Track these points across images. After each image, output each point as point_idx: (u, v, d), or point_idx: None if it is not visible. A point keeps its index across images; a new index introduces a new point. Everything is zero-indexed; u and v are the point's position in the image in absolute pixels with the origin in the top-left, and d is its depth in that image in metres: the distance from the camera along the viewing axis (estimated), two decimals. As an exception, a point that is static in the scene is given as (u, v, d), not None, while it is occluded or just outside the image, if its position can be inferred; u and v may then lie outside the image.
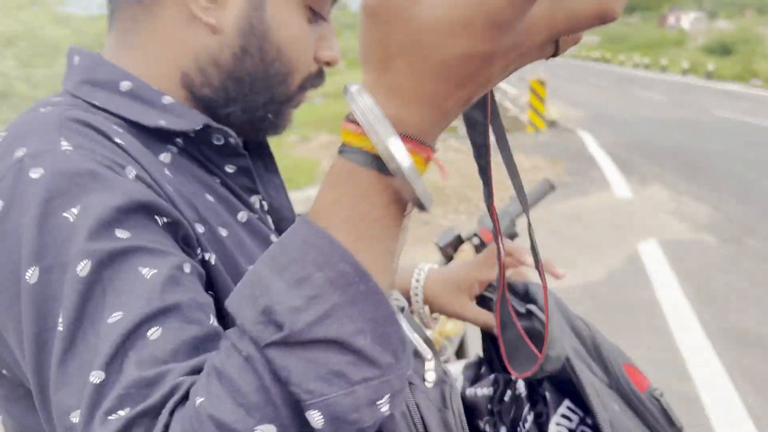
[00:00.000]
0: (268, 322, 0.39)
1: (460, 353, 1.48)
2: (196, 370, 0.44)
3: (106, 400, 0.44)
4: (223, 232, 0.62)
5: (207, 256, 0.59)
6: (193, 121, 0.63)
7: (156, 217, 0.53)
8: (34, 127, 0.55)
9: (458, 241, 1.37)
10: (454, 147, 10.42)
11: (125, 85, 0.64)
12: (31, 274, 0.48)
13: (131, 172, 0.55)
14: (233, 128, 0.66)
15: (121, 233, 0.50)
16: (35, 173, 0.50)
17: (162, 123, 0.62)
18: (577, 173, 8.74)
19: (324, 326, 0.39)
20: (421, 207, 0.42)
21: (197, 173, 0.64)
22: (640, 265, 5.03)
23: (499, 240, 0.57)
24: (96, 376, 0.45)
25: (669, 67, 30.62)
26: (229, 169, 0.67)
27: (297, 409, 0.40)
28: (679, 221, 6.21)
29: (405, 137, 0.39)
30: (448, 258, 1.37)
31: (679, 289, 4.49)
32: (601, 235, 5.90)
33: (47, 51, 14.67)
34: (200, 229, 0.60)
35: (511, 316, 0.64)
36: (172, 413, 0.42)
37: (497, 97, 0.50)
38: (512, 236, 1.41)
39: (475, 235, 1.36)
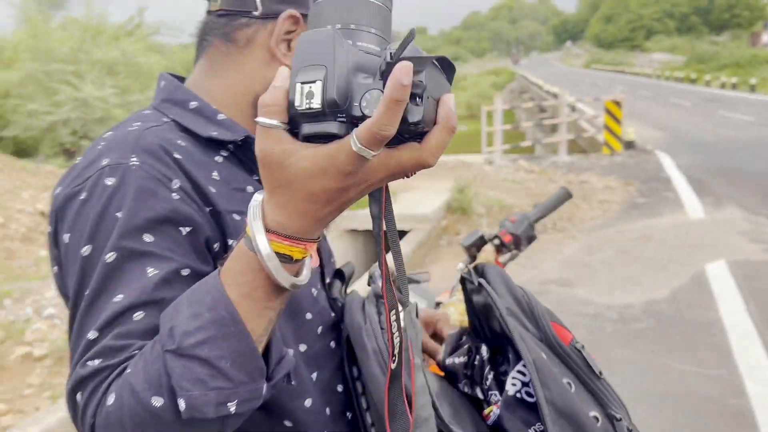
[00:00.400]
0: (170, 335, 0.59)
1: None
2: None
3: (89, 352, 0.66)
4: None
5: (231, 242, 0.79)
6: (238, 133, 0.84)
7: (180, 228, 0.73)
8: (119, 143, 0.77)
9: (481, 242, 1.56)
10: (525, 167, 10.46)
11: (192, 104, 0.85)
12: (85, 249, 0.71)
13: (176, 183, 0.75)
14: None
15: (148, 238, 0.70)
16: (109, 181, 0.72)
17: (214, 134, 0.83)
18: (650, 194, 8.60)
19: (199, 348, 0.58)
20: (281, 288, 0.60)
21: (241, 171, 0.85)
22: (706, 285, 4.97)
23: (389, 291, 0.66)
24: (91, 334, 0.67)
25: (758, 87, 29.21)
26: None
27: (174, 394, 0.59)
28: (751, 242, 6.05)
29: (284, 236, 0.58)
30: (473, 257, 1.56)
31: (744, 309, 4.43)
32: (668, 254, 5.84)
33: (142, 77, 15.71)
34: (237, 216, 0.80)
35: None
36: (120, 373, 0.63)
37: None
38: (530, 239, 1.59)
39: (497, 236, 1.55)
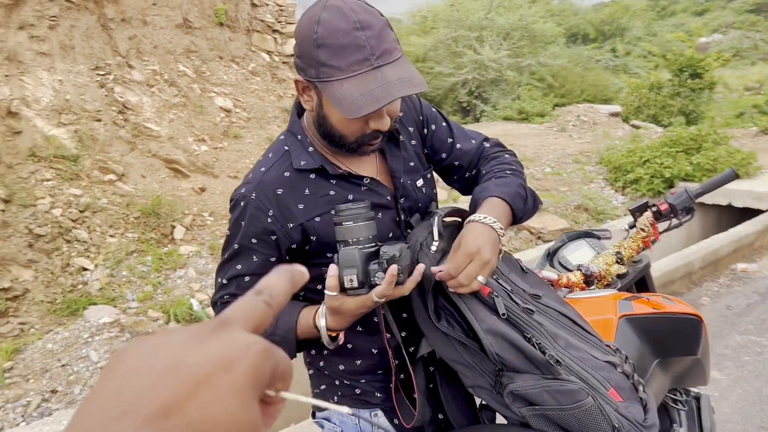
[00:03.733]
0: (273, 330, 1.20)
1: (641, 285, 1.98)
2: None
3: (221, 291, 1.26)
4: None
5: (314, 237, 1.23)
6: (316, 162, 1.23)
7: (271, 237, 1.21)
8: (252, 179, 1.23)
9: (644, 208, 1.91)
10: None
11: (299, 137, 1.26)
12: (228, 233, 1.25)
13: (271, 212, 1.20)
14: (342, 148, 1.23)
15: (254, 240, 1.21)
16: (242, 202, 1.22)
17: (303, 164, 1.23)
18: None
19: (275, 339, 1.18)
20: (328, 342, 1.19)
21: (324, 182, 1.24)
22: None
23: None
24: (222, 279, 1.26)
25: None
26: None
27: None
28: None
29: (333, 331, 1.17)
30: (635, 218, 1.93)
31: None
32: None
33: (535, 42, 16.58)
34: (318, 219, 1.22)
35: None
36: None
37: None
38: (688, 210, 1.87)
39: (655, 204, 1.88)
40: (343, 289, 1.09)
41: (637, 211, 1.92)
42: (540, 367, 1.13)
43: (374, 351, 1.34)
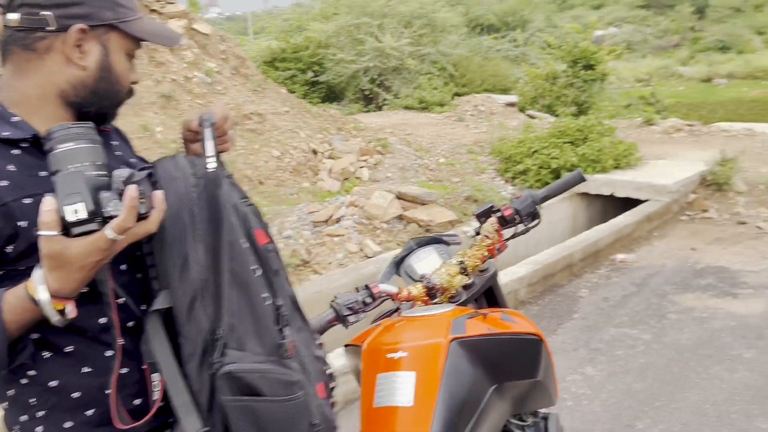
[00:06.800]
0: None
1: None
2: None
3: None
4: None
5: (23, 223, 0.95)
6: (27, 132, 0.99)
7: None
8: None
9: (489, 213, 1.75)
10: None
11: None
12: None
13: None
14: (89, 119, 1.02)
15: None
16: None
17: (6, 134, 0.98)
18: None
19: None
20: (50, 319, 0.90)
21: (36, 160, 0.99)
22: None
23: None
24: None
25: None
26: None
27: None
28: None
29: (59, 297, 0.89)
30: (480, 223, 1.76)
31: None
32: None
33: (435, 30, 16.60)
34: (27, 200, 0.96)
35: None
36: None
37: None
38: (533, 216, 1.72)
39: (499, 209, 1.72)
40: (65, 228, 0.86)
41: (482, 216, 1.75)
42: (268, 345, 0.99)
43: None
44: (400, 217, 5.84)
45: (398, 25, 16.06)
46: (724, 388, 3.32)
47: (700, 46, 38.00)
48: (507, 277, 4.38)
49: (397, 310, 1.73)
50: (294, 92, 11.61)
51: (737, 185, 6.63)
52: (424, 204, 5.98)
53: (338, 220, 5.44)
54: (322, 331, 1.56)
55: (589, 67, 12.15)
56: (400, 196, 5.96)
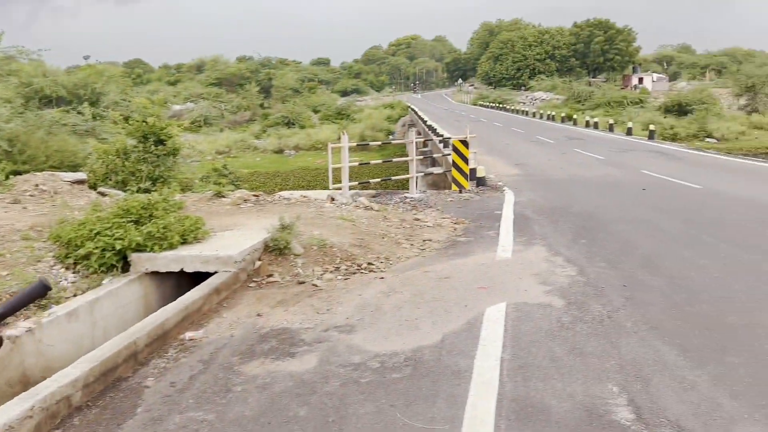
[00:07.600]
0: None
1: None
2: None
3: None
4: None
5: None
6: None
7: None
8: None
9: None
10: (365, 204, 10.53)
11: None
12: None
13: None
14: None
15: None
16: None
17: None
18: (474, 233, 8.85)
19: None
20: None
21: None
22: (476, 330, 5.06)
23: None
24: None
25: (616, 126, 31.70)
26: None
27: None
28: (539, 284, 6.29)
29: None
30: None
31: (497, 357, 4.51)
32: (459, 297, 5.94)
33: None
34: None
35: None
36: None
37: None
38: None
39: None
40: None
41: None
42: None
43: None
44: None
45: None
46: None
47: (270, 121, 42.38)
48: (55, 384, 3.83)
49: None
50: None
51: (295, 248, 7.27)
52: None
53: None
54: None
55: (160, 142, 12.18)
56: None
